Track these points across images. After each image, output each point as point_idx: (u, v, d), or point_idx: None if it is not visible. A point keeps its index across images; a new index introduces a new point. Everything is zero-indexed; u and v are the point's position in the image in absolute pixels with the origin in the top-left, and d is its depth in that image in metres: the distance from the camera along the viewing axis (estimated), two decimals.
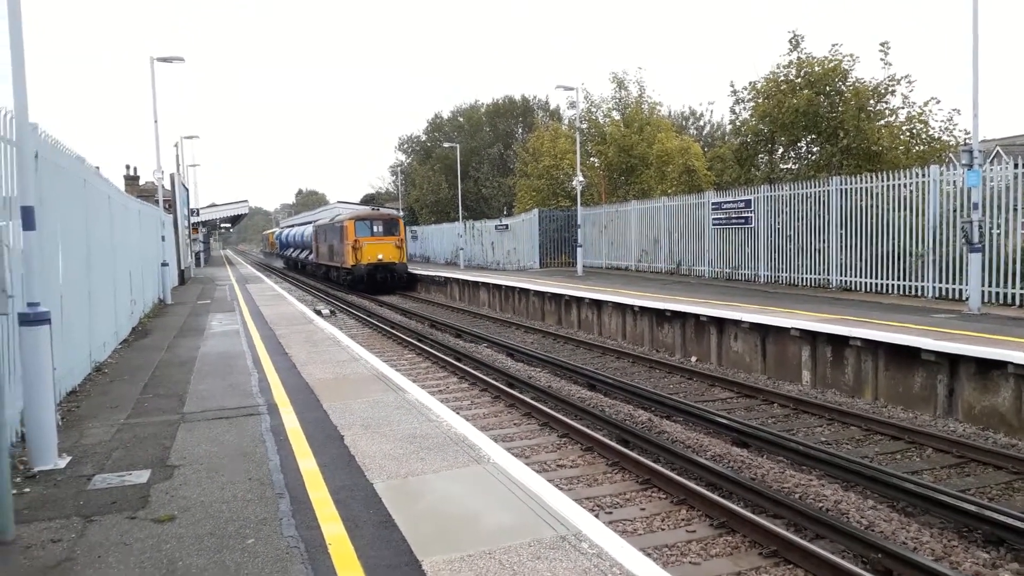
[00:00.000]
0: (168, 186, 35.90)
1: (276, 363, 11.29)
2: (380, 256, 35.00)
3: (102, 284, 12.24)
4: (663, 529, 6.92)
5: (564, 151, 39.37)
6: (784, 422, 10.86)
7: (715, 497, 7.23)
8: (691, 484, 7.64)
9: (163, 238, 26.09)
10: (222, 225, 78.45)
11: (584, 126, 37.32)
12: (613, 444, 9.15)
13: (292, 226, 71.83)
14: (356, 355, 11.93)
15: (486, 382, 13.15)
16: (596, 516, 7.05)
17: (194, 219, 47.88)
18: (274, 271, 62.61)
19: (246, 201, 66.37)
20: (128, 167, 40.08)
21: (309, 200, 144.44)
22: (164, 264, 24.17)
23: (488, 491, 5.50)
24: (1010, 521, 6.48)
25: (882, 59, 22.47)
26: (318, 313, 22.96)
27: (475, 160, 61.61)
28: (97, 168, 14.18)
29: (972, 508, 6.83)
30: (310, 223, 55.05)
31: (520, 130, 65.49)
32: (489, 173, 60.88)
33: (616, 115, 38.54)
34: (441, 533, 4.77)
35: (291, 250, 62.61)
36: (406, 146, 76.44)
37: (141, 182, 39.93)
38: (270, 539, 4.78)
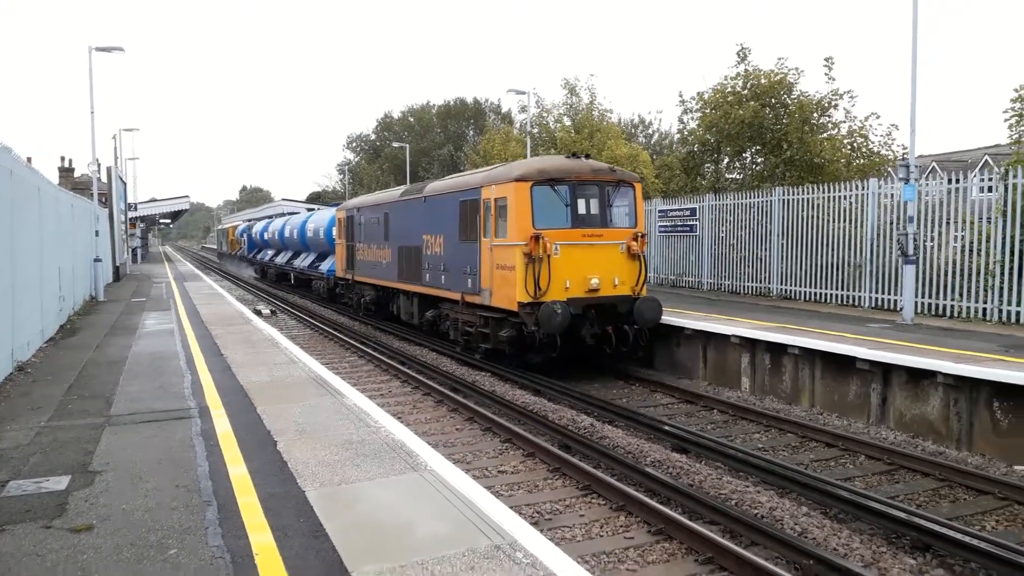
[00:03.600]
0: (104, 179, 34.70)
1: (211, 364, 10.95)
2: (594, 280, 13.65)
3: (27, 279, 11.71)
4: (601, 536, 6.90)
5: (515, 154, 39.30)
6: (723, 428, 11.00)
7: (653, 503, 7.25)
8: (630, 490, 7.64)
9: (97, 233, 25.21)
10: (162, 221, 76.29)
11: (535, 130, 37.39)
12: (555, 450, 9.12)
13: (281, 216, 46.35)
14: (295, 357, 11.66)
15: (429, 386, 13.00)
16: (535, 523, 7.01)
17: (132, 214, 46.40)
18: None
19: (187, 197, 64.62)
20: (63, 159, 38.57)
21: (254, 197, 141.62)
22: (97, 260, 23.33)
23: (424, 499, 5.39)
24: (936, 527, 6.65)
25: (826, 74, 23.04)
26: (257, 313, 22.46)
27: (425, 161, 61.26)
28: (28, 159, 13.60)
29: (901, 515, 6.99)
30: (352, 207, 24.90)
31: (471, 132, 65.42)
32: (439, 174, 60.49)
33: (567, 121, 38.70)
34: (373, 543, 4.65)
35: (278, 255, 40.98)
36: (355, 144, 75.62)
37: (76, 175, 38.50)
38: (194, 549, 4.59)
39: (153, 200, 61.37)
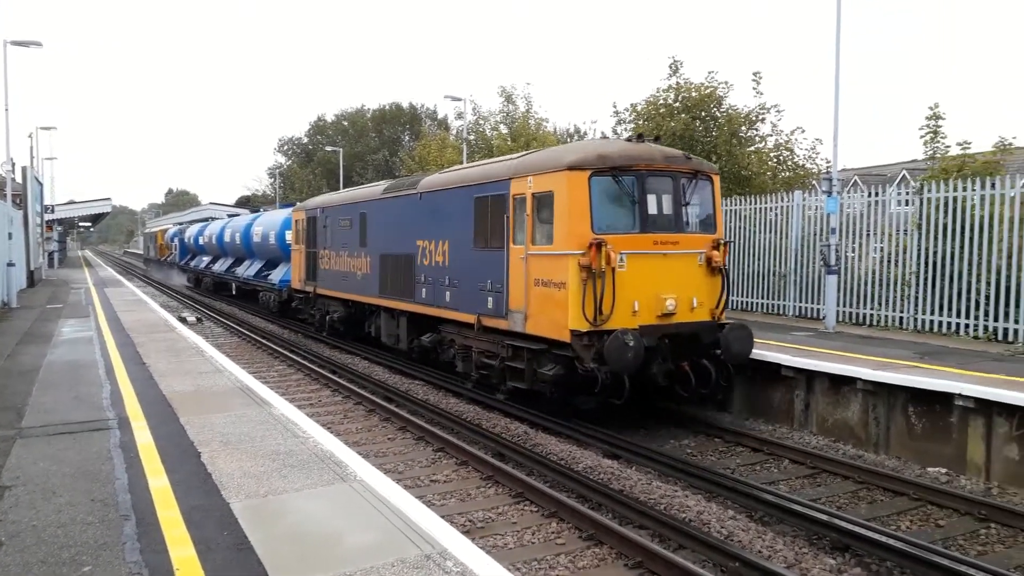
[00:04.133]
0: (19, 179, 33.19)
1: (132, 374, 10.54)
2: (669, 301, 10.52)
3: None
4: (533, 543, 6.91)
5: (451, 161, 39.30)
6: (650, 431, 11.15)
7: (584, 509, 7.31)
8: (562, 497, 7.69)
9: (10, 236, 24.02)
10: (81, 224, 73.22)
11: (472, 137, 37.45)
12: (488, 458, 9.10)
13: (218, 220, 41.60)
14: (221, 366, 11.33)
15: (361, 395, 12.82)
16: (467, 531, 6.98)
17: (49, 216, 44.39)
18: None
19: (109, 199, 62.13)
20: None
21: (180, 200, 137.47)
22: (10, 264, 22.23)
23: (353, 510, 5.30)
24: (854, 528, 6.89)
25: (754, 88, 23.75)
26: (182, 320, 21.73)
27: (359, 165, 60.62)
28: None
29: (822, 516, 7.22)
30: (315, 207, 21.07)
31: (407, 137, 65.07)
32: (374, 179, 60.01)
33: (504, 128, 38.90)
34: (300, 555, 4.54)
35: (215, 262, 36.58)
36: (286, 148, 74.26)
37: None
38: (110, 565, 4.40)
39: (72, 203, 58.84)
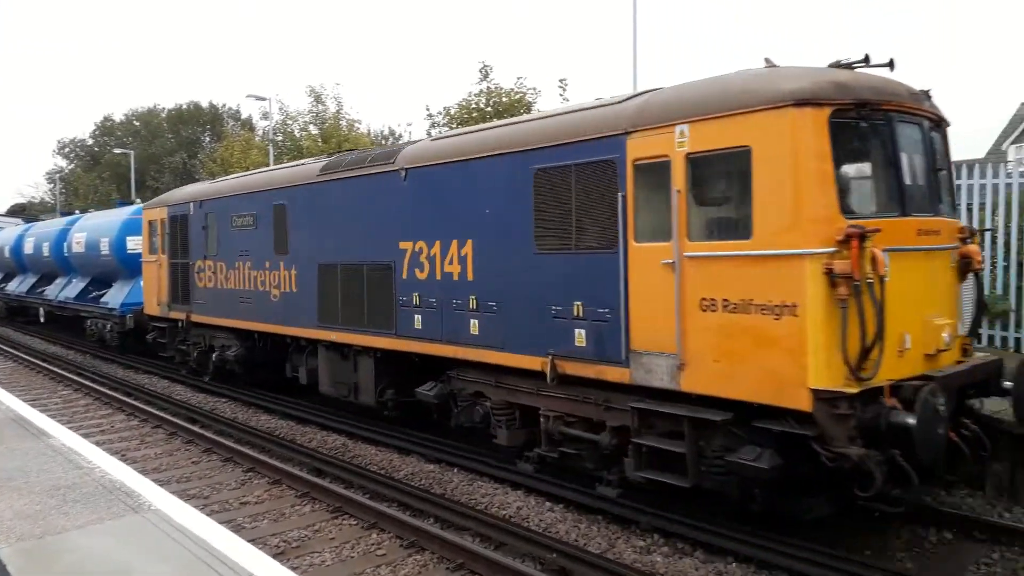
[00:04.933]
0: None
1: None
2: (946, 331, 6.54)
3: None
4: (352, 557, 6.68)
5: (257, 163, 37.48)
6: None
7: (405, 517, 7.20)
8: (382, 507, 7.53)
9: None
10: None
11: (279, 138, 35.92)
12: (303, 474, 8.73)
13: (15, 225, 33.81)
14: None
15: (161, 418, 11.83)
16: (280, 553, 6.64)
17: None
18: None
19: None
20: None
21: None
22: None
23: (147, 542, 4.83)
24: (659, 524, 7.27)
25: (561, 94, 24.71)
26: None
27: (154, 169, 56.23)
28: None
29: (629, 503, 7.55)
30: (184, 201, 14.99)
31: (208, 138, 61.26)
32: (171, 183, 55.89)
33: (313, 129, 37.68)
34: None
35: (7, 281, 29.38)
36: (68, 150, 67.40)
37: None
38: None
39: None
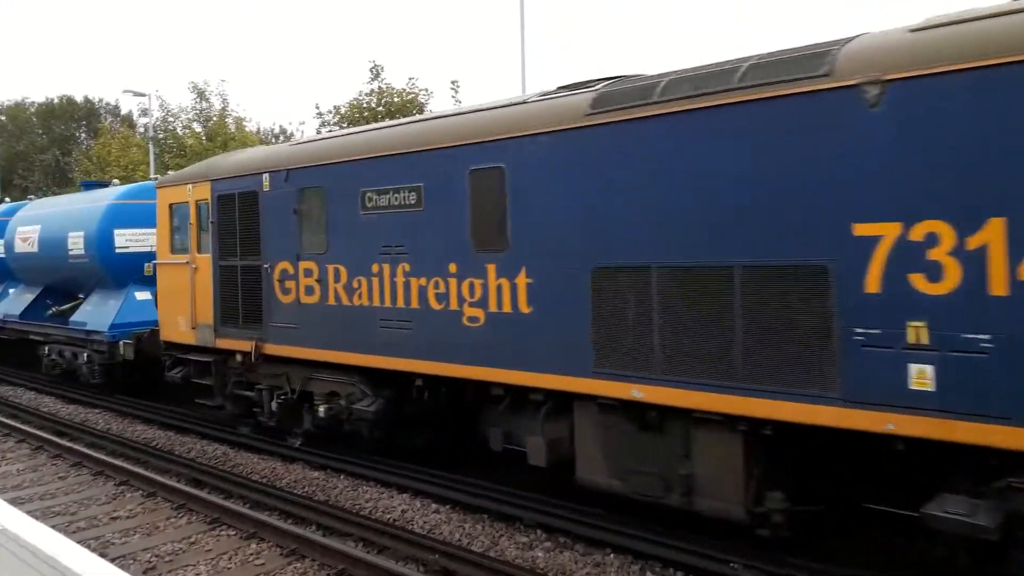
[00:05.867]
0: None
1: None
2: None
3: None
4: (229, 568, 6.53)
5: (137, 161, 35.74)
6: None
7: (284, 525, 7.10)
8: (262, 516, 7.38)
9: None
10: None
11: (161, 136, 34.35)
12: (180, 486, 8.44)
13: None
14: None
15: (24, 432, 11.12)
16: (151, 568, 6.41)
17: None
18: None
19: None
20: None
21: None
22: None
23: None
24: (547, 510, 7.39)
25: (453, 96, 24.79)
26: None
27: (22, 166, 52.66)
28: None
29: (519, 502, 7.62)
30: (245, 171, 9.92)
31: (83, 135, 57.83)
32: (42, 182, 52.42)
33: (198, 127, 36.22)
34: None
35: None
36: None
37: None
38: None
39: None
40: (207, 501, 7.88)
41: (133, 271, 13.18)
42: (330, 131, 7.50)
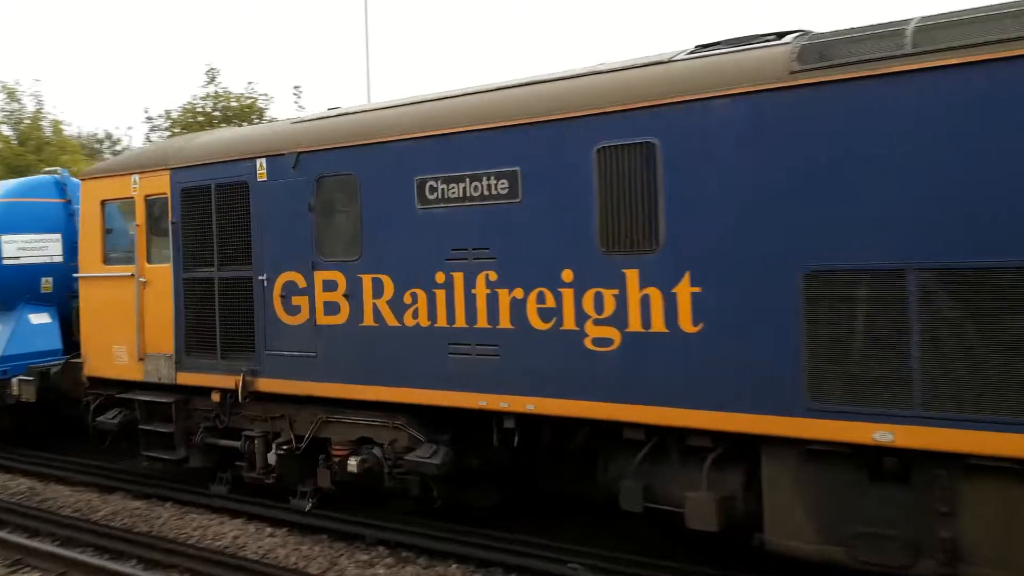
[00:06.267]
0: None
1: None
2: None
3: None
4: None
5: None
6: None
7: (98, 561, 6.54)
8: (72, 553, 6.73)
9: None
10: None
11: None
12: None
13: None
14: None
15: None
16: None
17: None
18: None
19: None
20: None
21: None
22: None
23: None
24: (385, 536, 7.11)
25: (295, 101, 24.19)
26: None
27: None
28: None
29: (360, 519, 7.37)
30: (257, 151, 7.53)
31: None
32: None
33: (7, 130, 33.03)
34: None
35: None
36: None
37: None
38: None
39: None
40: (6, 541, 7.09)
41: (26, 288, 10.36)
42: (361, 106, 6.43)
